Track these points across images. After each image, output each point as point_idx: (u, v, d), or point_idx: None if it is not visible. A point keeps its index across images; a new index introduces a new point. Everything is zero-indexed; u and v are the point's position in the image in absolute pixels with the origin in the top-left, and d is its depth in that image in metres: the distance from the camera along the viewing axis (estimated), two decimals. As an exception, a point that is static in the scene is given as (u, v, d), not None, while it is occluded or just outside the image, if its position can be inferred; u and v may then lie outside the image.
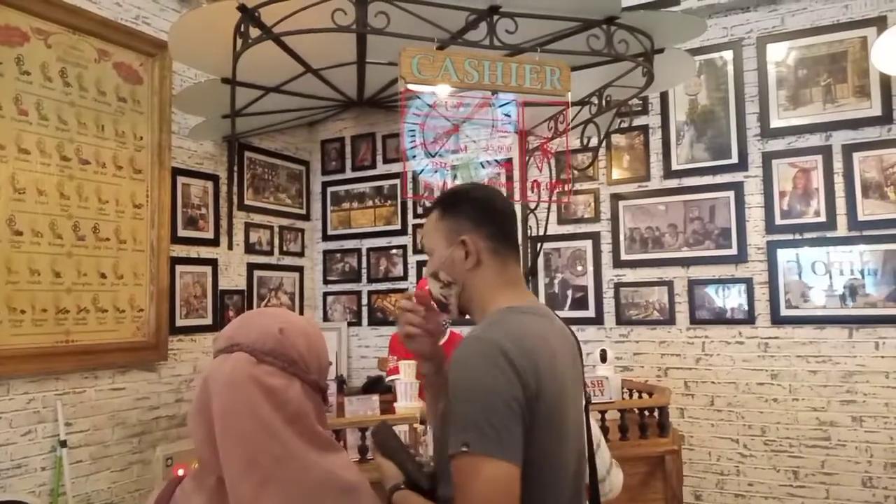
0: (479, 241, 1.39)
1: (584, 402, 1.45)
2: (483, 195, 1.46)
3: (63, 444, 2.98)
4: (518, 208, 4.05)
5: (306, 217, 4.89)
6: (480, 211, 1.42)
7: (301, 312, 4.73)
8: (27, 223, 2.93)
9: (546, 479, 1.25)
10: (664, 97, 3.86)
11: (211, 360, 1.17)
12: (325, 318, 4.87)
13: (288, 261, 4.66)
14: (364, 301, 4.78)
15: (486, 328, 1.30)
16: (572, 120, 3.45)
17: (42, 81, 3.02)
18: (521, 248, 1.59)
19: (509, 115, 3.37)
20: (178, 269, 3.69)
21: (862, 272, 3.37)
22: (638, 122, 3.92)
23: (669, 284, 3.78)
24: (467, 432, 1.17)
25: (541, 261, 4.09)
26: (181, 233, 3.73)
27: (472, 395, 1.20)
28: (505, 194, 1.68)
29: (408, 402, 2.54)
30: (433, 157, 3.30)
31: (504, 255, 1.41)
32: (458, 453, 1.16)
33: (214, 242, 3.97)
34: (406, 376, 2.60)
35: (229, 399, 1.06)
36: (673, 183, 3.83)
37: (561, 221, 4.11)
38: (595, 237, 4.01)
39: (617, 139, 3.97)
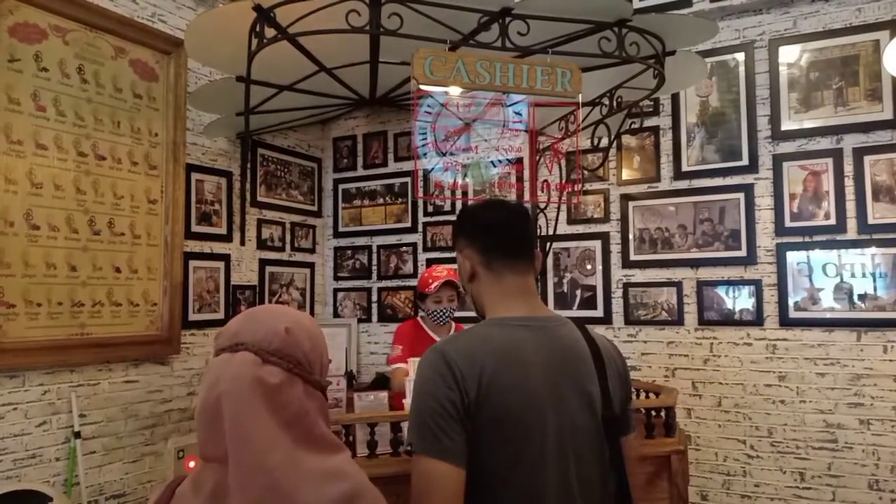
0: (473, 256, 1.50)
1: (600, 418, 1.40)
2: (478, 212, 1.58)
3: (77, 435, 3.03)
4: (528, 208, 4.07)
5: (318, 214, 4.93)
6: (471, 227, 1.54)
7: (312, 308, 4.77)
8: (44, 218, 2.98)
9: (497, 487, 1.30)
10: (675, 98, 3.86)
11: (213, 356, 1.16)
12: (336, 315, 4.90)
13: (299, 257, 4.70)
14: (374, 298, 4.82)
15: (444, 340, 1.41)
16: (583, 120, 3.46)
17: (59, 78, 3.07)
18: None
19: (520, 115, 3.38)
20: (192, 264, 3.74)
21: (872, 275, 3.37)
22: (648, 123, 3.93)
23: (678, 285, 3.79)
24: (411, 433, 1.29)
25: (550, 260, 4.10)
26: (195, 228, 3.77)
27: (417, 399, 1.31)
28: (515, 200, 1.72)
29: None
30: (444, 156, 3.32)
31: (499, 269, 1.48)
32: (406, 451, 1.30)
33: (227, 238, 4.01)
34: (415, 374, 2.62)
35: (237, 401, 1.05)
36: (683, 184, 3.83)
37: (570, 221, 4.12)
38: (604, 237, 4.03)
39: (627, 140, 3.98)
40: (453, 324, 3.39)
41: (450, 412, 1.26)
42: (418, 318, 3.45)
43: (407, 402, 2.49)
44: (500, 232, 1.50)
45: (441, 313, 3.24)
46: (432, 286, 3.21)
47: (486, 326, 1.43)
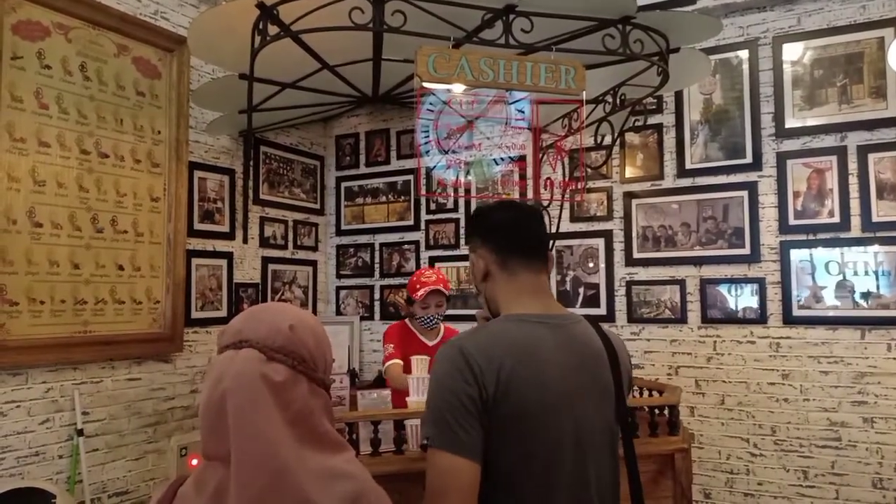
0: (487, 256, 1.51)
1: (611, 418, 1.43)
2: (492, 212, 1.57)
3: (80, 432, 3.04)
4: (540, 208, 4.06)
5: (320, 212, 4.93)
6: (484, 228, 1.54)
7: (314, 306, 4.77)
8: (47, 215, 2.98)
9: (513, 483, 1.30)
10: (679, 96, 3.85)
11: (216, 354, 1.15)
12: (338, 312, 4.90)
13: (302, 255, 4.70)
14: (376, 296, 4.81)
15: (462, 335, 1.41)
16: (586, 118, 3.45)
17: (62, 75, 3.07)
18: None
19: (523, 113, 3.37)
20: (194, 261, 3.74)
21: (875, 273, 3.36)
22: (652, 120, 3.92)
23: (681, 283, 3.79)
24: (428, 427, 1.30)
25: (553, 258, 4.10)
26: (197, 226, 3.77)
27: (434, 394, 1.31)
28: (519, 198, 1.72)
29: (420, 396, 2.56)
30: (447, 153, 3.31)
31: (513, 267, 1.48)
32: (422, 445, 1.29)
33: (230, 236, 4.01)
34: (418, 371, 2.62)
35: (241, 398, 1.03)
36: (686, 182, 3.82)
37: (574, 219, 4.12)
38: (607, 235, 4.02)
39: (631, 137, 3.97)
40: (442, 326, 3.36)
41: (468, 407, 1.26)
42: (405, 320, 3.42)
43: (412, 399, 2.48)
44: (514, 231, 1.51)
45: (428, 319, 3.22)
46: (419, 293, 3.18)
47: (502, 322, 1.43)
